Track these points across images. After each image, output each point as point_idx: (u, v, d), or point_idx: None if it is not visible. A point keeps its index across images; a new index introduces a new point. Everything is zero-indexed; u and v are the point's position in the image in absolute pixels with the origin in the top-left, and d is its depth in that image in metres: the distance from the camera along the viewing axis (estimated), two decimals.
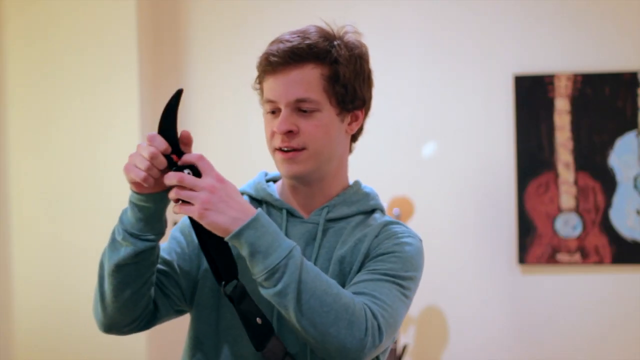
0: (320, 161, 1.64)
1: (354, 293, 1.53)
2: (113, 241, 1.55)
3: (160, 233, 1.56)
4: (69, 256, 3.68)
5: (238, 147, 3.84)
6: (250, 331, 1.52)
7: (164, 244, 1.68)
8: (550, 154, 3.67)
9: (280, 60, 1.58)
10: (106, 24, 3.70)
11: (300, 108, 1.60)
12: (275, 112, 1.61)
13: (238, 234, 1.45)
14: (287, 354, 1.53)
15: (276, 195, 1.70)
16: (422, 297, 3.38)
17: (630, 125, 3.64)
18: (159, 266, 1.64)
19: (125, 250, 1.52)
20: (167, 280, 1.64)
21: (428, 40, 3.78)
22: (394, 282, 1.57)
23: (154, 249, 1.55)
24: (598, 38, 3.69)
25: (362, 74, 1.67)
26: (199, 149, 4.19)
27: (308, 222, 1.67)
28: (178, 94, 1.50)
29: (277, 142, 1.61)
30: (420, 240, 1.68)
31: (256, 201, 1.71)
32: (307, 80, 1.59)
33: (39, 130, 3.73)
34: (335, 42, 1.63)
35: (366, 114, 1.73)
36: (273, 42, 1.62)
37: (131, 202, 1.54)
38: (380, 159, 3.80)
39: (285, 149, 1.60)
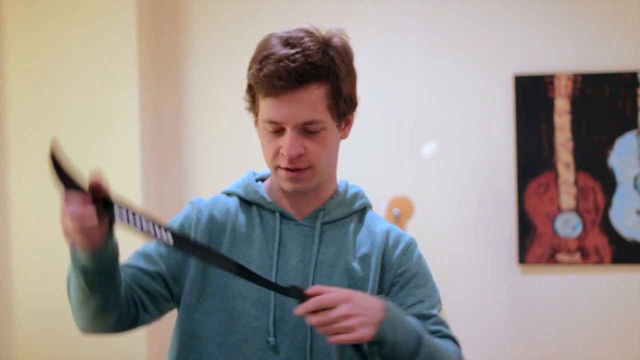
0: (323, 175, 1.65)
1: (440, 335, 1.65)
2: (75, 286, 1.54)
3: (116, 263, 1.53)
4: (68, 257, 3.67)
5: (239, 144, 3.84)
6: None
7: (148, 244, 1.66)
8: (550, 154, 3.67)
9: (286, 84, 1.54)
10: (106, 24, 3.70)
11: (307, 129, 1.58)
12: (278, 131, 1.59)
13: (383, 339, 1.49)
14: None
15: (268, 197, 1.69)
16: None
17: (630, 125, 3.64)
18: (148, 268, 1.63)
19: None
20: (155, 283, 1.63)
21: (428, 40, 3.78)
22: (439, 307, 1.68)
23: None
24: (598, 38, 3.69)
25: (355, 79, 1.66)
26: (200, 147, 4.16)
27: (303, 225, 1.67)
28: (52, 149, 1.46)
29: (283, 163, 1.59)
30: (416, 241, 1.73)
31: (247, 203, 1.70)
32: (313, 101, 1.57)
33: (39, 130, 3.73)
34: (331, 52, 1.59)
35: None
36: (269, 57, 1.56)
37: (78, 267, 1.51)
38: (380, 159, 3.80)
39: (292, 168, 1.59)
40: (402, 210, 3.57)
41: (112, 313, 1.54)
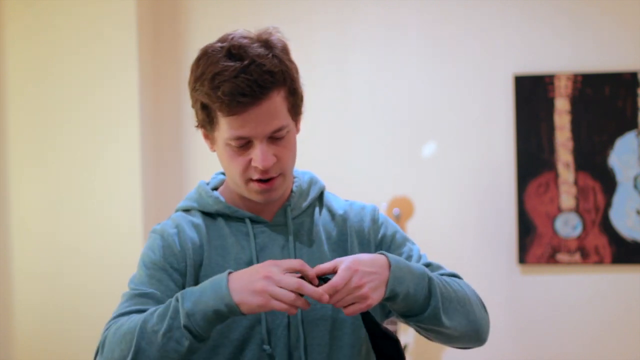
0: (290, 176, 1.64)
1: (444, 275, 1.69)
2: (166, 344, 1.46)
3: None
4: (68, 257, 3.68)
5: None
6: None
7: (150, 290, 1.57)
8: (550, 154, 3.67)
9: (250, 99, 1.51)
10: (106, 24, 3.70)
11: (275, 137, 1.56)
12: (244, 145, 1.56)
13: (395, 294, 1.52)
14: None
15: (230, 205, 1.65)
16: None
17: (630, 125, 3.64)
18: None
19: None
20: None
21: (428, 40, 3.78)
22: (425, 254, 1.74)
23: None
24: (598, 38, 3.69)
25: (299, 73, 1.62)
26: (200, 147, 4.15)
27: (274, 224, 1.65)
28: None
29: (256, 175, 1.56)
30: (377, 207, 1.76)
31: (209, 216, 1.65)
32: (276, 109, 1.54)
33: (38, 130, 3.73)
34: (277, 54, 1.56)
35: None
36: (222, 73, 1.51)
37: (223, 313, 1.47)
38: (380, 159, 3.80)
39: (265, 179, 1.57)
40: (402, 210, 3.57)
41: None
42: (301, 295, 1.45)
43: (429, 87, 3.78)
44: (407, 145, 3.80)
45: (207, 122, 1.59)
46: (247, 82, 1.50)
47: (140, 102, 3.68)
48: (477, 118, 3.75)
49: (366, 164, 3.79)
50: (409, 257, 1.69)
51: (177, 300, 1.47)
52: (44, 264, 3.70)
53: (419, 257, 1.70)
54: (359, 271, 1.48)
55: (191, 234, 1.62)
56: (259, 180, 1.57)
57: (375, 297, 1.48)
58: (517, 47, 3.72)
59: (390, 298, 1.52)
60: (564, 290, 3.70)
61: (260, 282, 1.43)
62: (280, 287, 1.43)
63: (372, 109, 3.81)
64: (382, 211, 3.44)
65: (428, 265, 1.69)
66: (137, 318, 1.49)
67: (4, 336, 3.72)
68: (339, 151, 3.82)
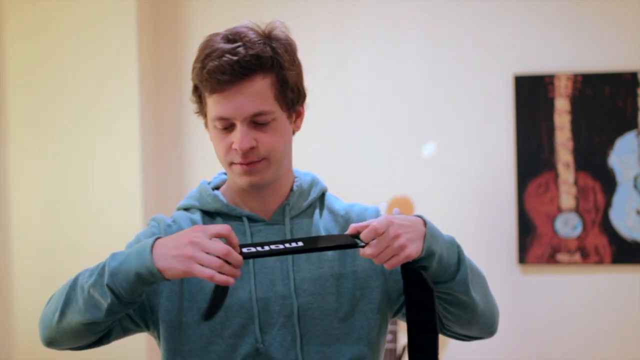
0: (279, 168, 1.62)
1: None
2: (90, 298, 1.48)
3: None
4: (68, 257, 3.68)
5: None
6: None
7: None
8: (550, 154, 3.67)
9: (230, 77, 1.53)
10: (106, 24, 3.70)
11: (257, 122, 1.56)
12: (227, 127, 1.57)
13: (431, 252, 1.55)
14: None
15: (230, 204, 1.65)
16: None
17: (630, 125, 3.64)
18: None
19: (104, 312, 1.48)
20: (132, 312, 1.60)
21: (428, 40, 3.78)
22: None
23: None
24: (598, 38, 3.69)
25: (300, 70, 1.64)
26: (200, 147, 4.17)
27: (272, 223, 1.64)
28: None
29: (237, 158, 1.57)
30: (379, 208, 1.79)
31: (208, 215, 1.66)
32: (259, 93, 1.55)
33: (38, 130, 3.73)
34: (273, 44, 1.59)
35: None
36: (211, 54, 1.55)
37: (147, 278, 1.46)
38: (380, 159, 3.80)
39: (245, 162, 1.57)
40: (402, 210, 3.57)
41: (95, 336, 1.56)
42: (229, 263, 1.44)
43: (429, 87, 3.78)
44: (407, 145, 3.80)
45: (199, 104, 1.63)
46: (230, 61, 1.53)
47: (140, 102, 3.69)
48: (477, 118, 3.75)
49: (366, 164, 3.79)
50: None
51: (108, 259, 1.50)
52: (44, 264, 3.70)
53: None
54: (395, 223, 1.51)
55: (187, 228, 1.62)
56: (241, 164, 1.58)
57: (414, 248, 1.51)
58: (517, 47, 3.73)
59: (426, 257, 1.54)
60: (564, 290, 3.71)
61: (186, 247, 1.43)
62: (207, 253, 1.43)
63: (372, 109, 3.81)
64: (382, 211, 3.45)
65: None
66: (76, 275, 1.53)
67: (4, 336, 3.72)
68: (339, 151, 3.82)
